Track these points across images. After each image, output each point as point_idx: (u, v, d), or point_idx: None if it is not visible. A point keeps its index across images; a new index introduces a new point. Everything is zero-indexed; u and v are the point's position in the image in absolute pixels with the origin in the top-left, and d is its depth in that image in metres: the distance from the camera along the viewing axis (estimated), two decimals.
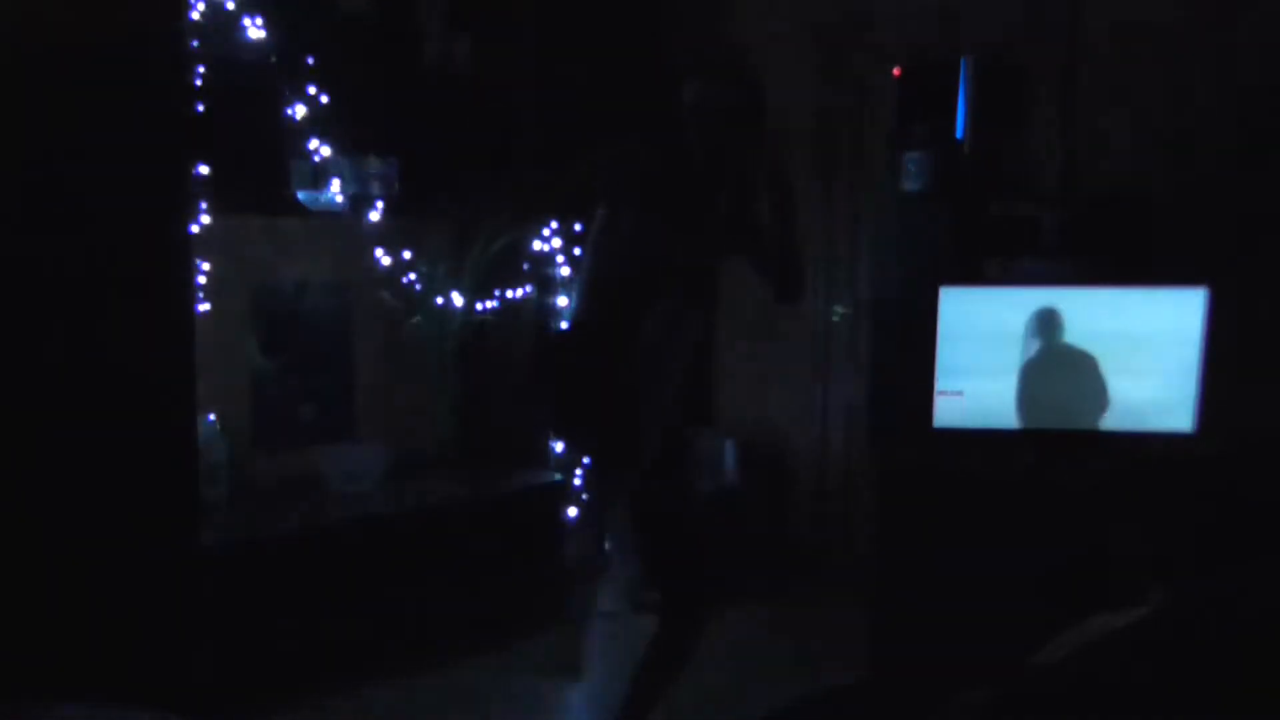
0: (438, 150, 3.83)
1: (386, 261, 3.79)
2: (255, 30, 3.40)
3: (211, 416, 3.47)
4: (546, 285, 3.99)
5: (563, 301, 3.94)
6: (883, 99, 3.97)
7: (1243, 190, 3.21)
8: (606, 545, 4.16)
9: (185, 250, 2.94)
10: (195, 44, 3.18)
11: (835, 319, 4.25)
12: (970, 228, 3.21)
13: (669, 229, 2.67)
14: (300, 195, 3.60)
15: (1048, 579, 2.83)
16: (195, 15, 3.23)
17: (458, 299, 3.92)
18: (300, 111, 3.53)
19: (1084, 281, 3.10)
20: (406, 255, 3.82)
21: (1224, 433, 3.00)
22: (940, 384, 3.08)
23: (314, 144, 3.57)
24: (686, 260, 2.71)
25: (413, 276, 3.85)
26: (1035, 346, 3.04)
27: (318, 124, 3.57)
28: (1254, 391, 3.12)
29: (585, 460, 3.90)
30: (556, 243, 3.95)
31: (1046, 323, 3.04)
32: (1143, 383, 3.01)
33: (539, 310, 4.00)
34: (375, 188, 3.71)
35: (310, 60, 3.53)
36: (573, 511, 3.92)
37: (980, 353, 3.07)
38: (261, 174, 3.52)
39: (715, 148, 2.63)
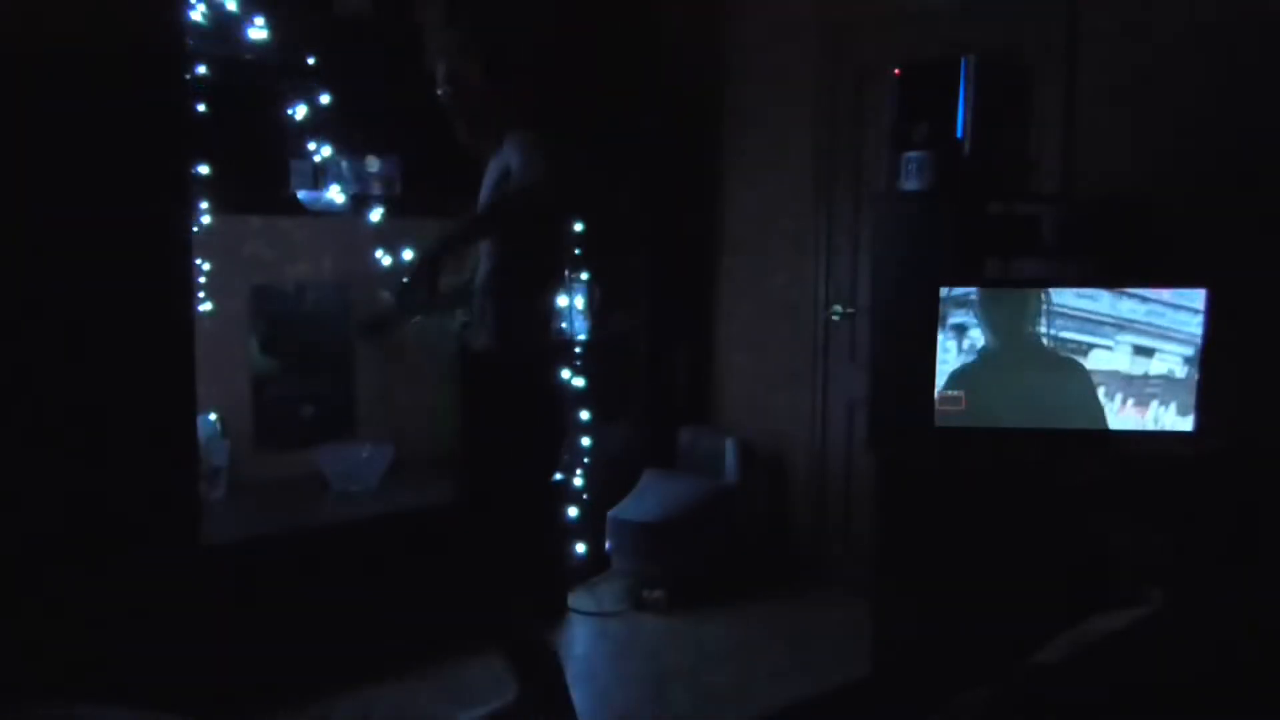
0: (438, 150, 3.82)
1: (386, 261, 3.79)
2: (255, 30, 3.41)
3: (212, 416, 3.47)
4: None
5: (562, 301, 3.94)
6: (883, 99, 3.98)
7: (1243, 191, 3.21)
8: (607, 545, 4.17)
9: (185, 250, 2.95)
10: (195, 44, 3.18)
11: (835, 319, 4.25)
12: (970, 228, 3.21)
13: None
14: (300, 195, 3.60)
15: (1048, 579, 2.83)
16: (195, 15, 3.24)
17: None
18: (300, 111, 3.53)
19: (1083, 282, 3.10)
20: (406, 255, 3.82)
21: (1224, 433, 3.00)
22: (940, 384, 3.08)
23: (314, 144, 3.58)
24: None
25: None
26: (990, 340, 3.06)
27: (318, 124, 3.57)
28: (1254, 391, 3.12)
29: None
30: None
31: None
32: (1143, 383, 3.01)
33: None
34: (375, 188, 3.72)
35: (310, 60, 3.53)
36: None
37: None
38: (261, 174, 3.52)
39: None
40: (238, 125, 3.36)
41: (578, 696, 3.03)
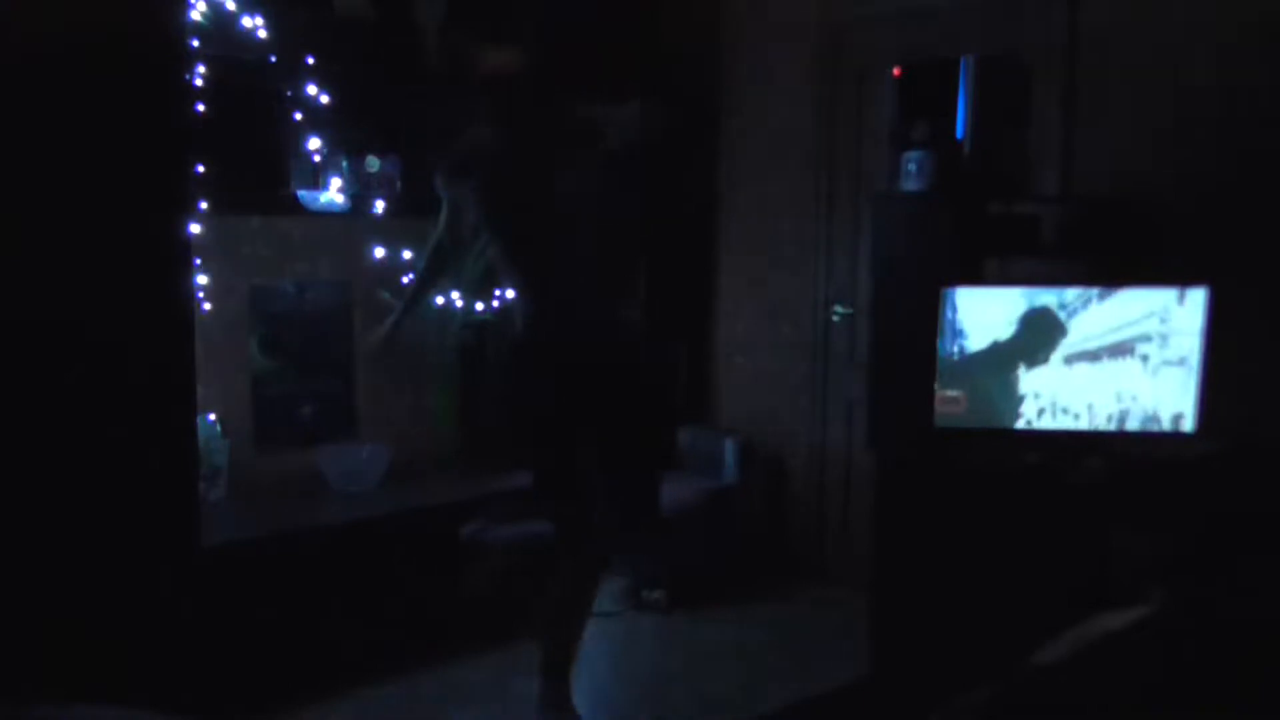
0: (437, 150, 3.82)
1: (386, 261, 3.79)
2: (255, 30, 3.41)
3: (211, 416, 3.47)
4: None
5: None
6: (883, 99, 3.98)
7: (1243, 190, 3.21)
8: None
9: (185, 250, 2.94)
10: (195, 44, 3.18)
11: (835, 319, 4.25)
12: (970, 228, 3.21)
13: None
14: (300, 195, 3.60)
15: (1048, 579, 2.83)
16: (195, 15, 3.24)
17: (457, 299, 3.92)
18: (300, 111, 3.53)
19: (1083, 281, 3.10)
20: (406, 255, 3.82)
21: (1224, 433, 3.00)
22: (940, 384, 3.08)
23: (314, 144, 3.57)
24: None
25: (413, 276, 3.85)
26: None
27: (318, 123, 3.57)
28: (1254, 391, 3.12)
29: None
30: None
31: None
32: (1143, 383, 3.01)
33: None
34: (375, 188, 3.72)
35: (310, 60, 3.53)
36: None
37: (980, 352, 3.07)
38: (261, 174, 3.52)
39: None
40: (238, 125, 3.36)
41: (578, 697, 3.03)
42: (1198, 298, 2.95)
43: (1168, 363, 2.99)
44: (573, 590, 2.99)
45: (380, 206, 3.74)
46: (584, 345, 2.88)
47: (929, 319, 3.05)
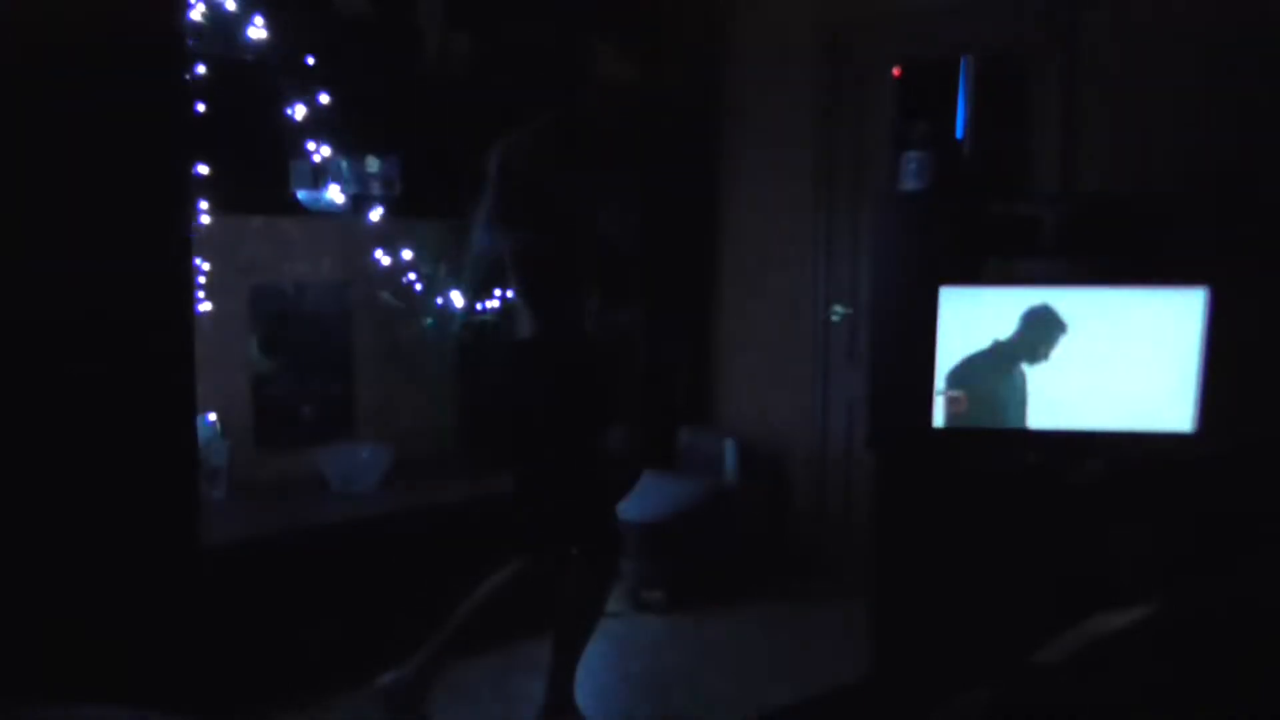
0: (438, 150, 3.83)
1: (386, 261, 3.79)
2: (255, 30, 3.41)
3: (211, 416, 3.47)
4: None
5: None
6: (883, 99, 3.98)
7: (1242, 191, 3.21)
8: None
9: (185, 250, 2.94)
10: (195, 44, 3.18)
11: (835, 319, 4.25)
12: (970, 228, 3.21)
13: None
14: (300, 195, 3.60)
15: (1048, 579, 2.83)
16: (195, 15, 3.24)
17: (458, 299, 3.92)
18: (300, 111, 3.53)
19: (1083, 281, 3.10)
20: (406, 255, 3.82)
21: (1224, 433, 3.00)
22: (940, 384, 3.08)
23: (314, 144, 3.57)
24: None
25: (413, 276, 3.85)
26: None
27: (318, 124, 3.57)
28: (1254, 391, 3.12)
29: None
30: None
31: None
32: (1143, 383, 3.01)
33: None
34: (375, 188, 3.72)
35: (310, 60, 3.53)
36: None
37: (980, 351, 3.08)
38: (261, 174, 3.52)
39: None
40: (238, 125, 3.36)
41: (578, 696, 3.03)
42: (1198, 297, 2.95)
43: (1167, 362, 2.99)
44: (585, 593, 2.98)
45: (380, 207, 3.73)
46: (588, 346, 2.88)
47: (929, 319, 3.06)
